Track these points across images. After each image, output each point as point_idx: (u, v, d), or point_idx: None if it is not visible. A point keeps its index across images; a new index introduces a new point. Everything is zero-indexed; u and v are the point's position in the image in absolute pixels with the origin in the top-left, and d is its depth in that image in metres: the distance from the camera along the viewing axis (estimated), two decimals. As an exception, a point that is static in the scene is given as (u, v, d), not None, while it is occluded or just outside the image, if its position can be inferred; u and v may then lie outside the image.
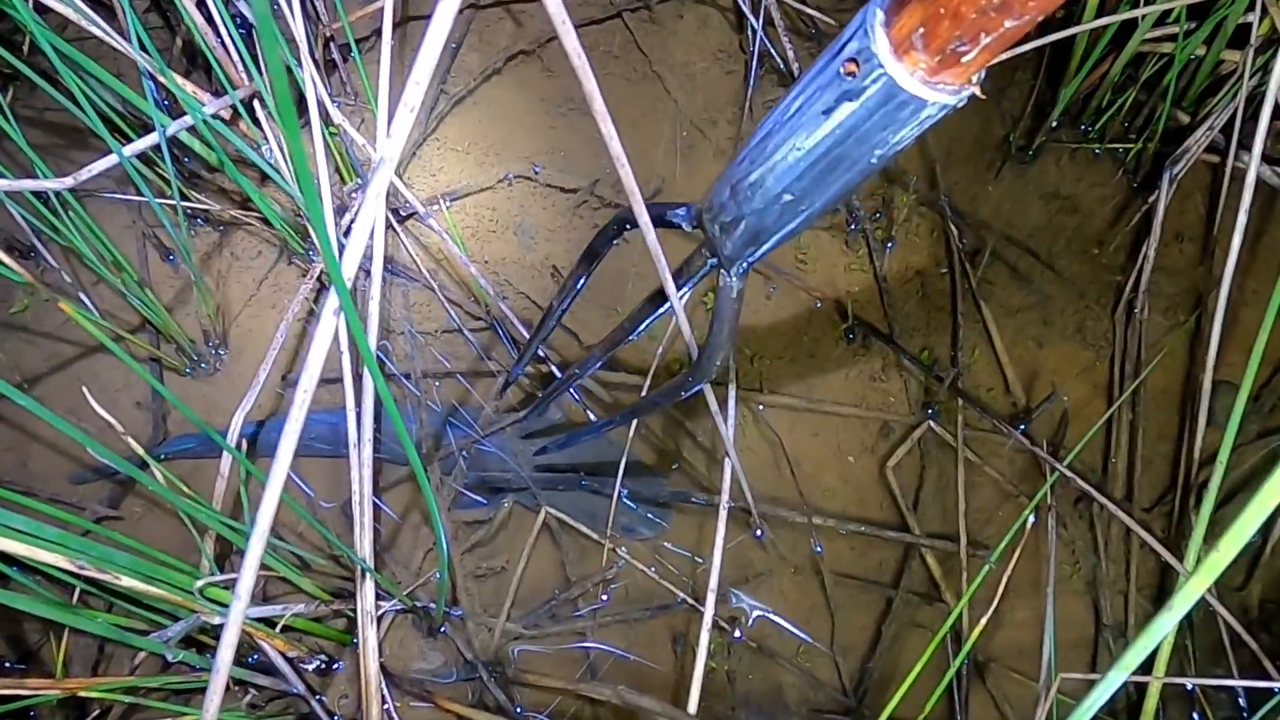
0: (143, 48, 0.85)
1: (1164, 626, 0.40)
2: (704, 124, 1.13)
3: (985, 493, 0.97)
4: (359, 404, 0.95)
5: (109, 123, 0.94)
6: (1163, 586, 0.93)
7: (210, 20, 1.03)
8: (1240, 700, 0.90)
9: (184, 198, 1.01)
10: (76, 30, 0.85)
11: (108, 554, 0.65)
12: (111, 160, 0.69)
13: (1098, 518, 0.96)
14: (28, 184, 0.65)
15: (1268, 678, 0.85)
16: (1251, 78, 0.92)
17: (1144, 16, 0.93)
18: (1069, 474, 0.93)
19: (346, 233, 1.04)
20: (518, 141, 1.11)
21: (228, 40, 1.02)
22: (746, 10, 1.17)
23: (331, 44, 1.14)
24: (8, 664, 0.88)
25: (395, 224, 1.05)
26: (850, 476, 0.97)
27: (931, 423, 0.98)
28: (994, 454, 0.98)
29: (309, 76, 0.96)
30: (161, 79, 0.83)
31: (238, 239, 1.06)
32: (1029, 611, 0.93)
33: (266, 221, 1.01)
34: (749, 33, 1.15)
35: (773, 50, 1.16)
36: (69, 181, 0.66)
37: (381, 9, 1.15)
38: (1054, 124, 1.10)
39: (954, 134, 1.12)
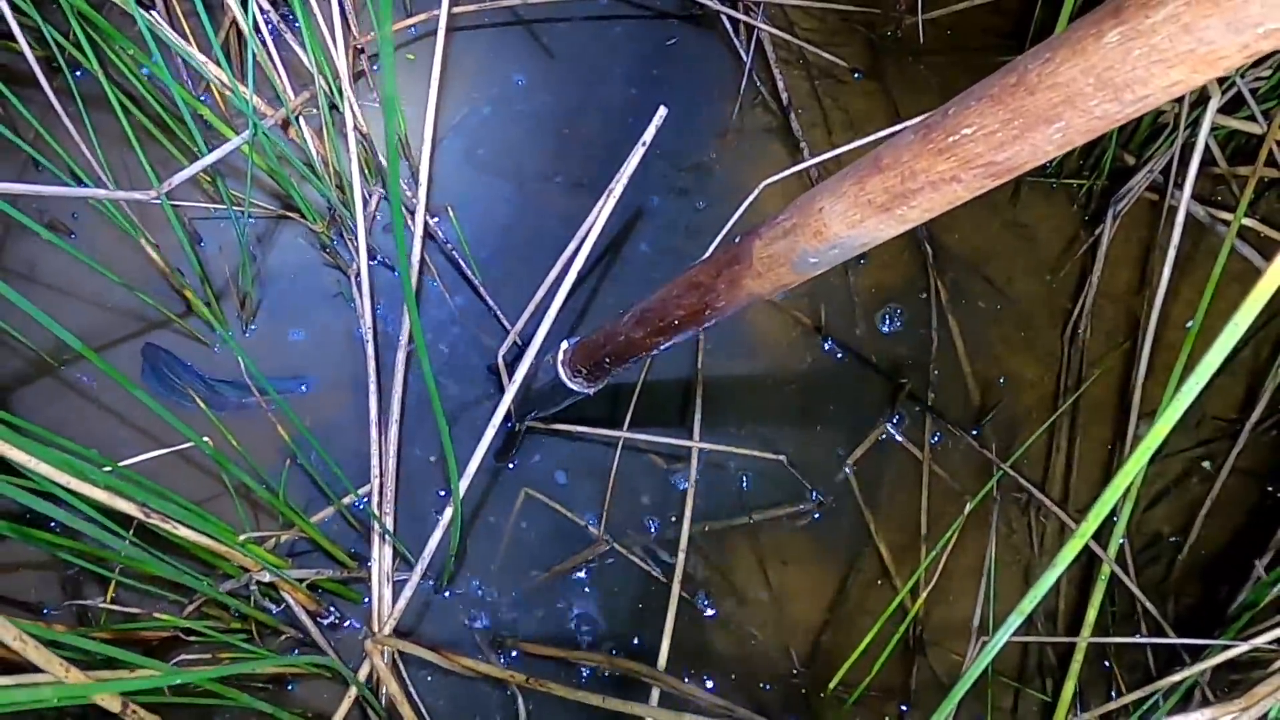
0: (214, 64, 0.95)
1: (1049, 579, 0.48)
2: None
3: (939, 490, 1.08)
4: (381, 387, 1.05)
5: (165, 129, 1.04)
6: (1088, 575, 1.04)
7: (258, 33, 1.13)
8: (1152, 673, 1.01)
9: (234, 202, 1.11)
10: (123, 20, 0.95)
11: (163, 505, 0.76)
12: (196, 169, 0.79)
13: (1035, 516, 1.07)
14: (121, 195, 0.75)
15: (1178, 656, 0.97)
16: (1185, 129, 1.03)
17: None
18: (1012, 472, 1.05)
19: (371, 226, 1.14)
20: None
21: (275, 55, 1.13)
22: (738, 44, 1.28)
23: (362, 55, 1.24)
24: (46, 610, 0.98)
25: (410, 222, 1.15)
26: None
27: (889, 426, 1.09)
28: (949, 455, 1.10)
29: (349, 105, 1.06)
30: (229, 92, 0.93)
31: (270, 230, 1.16)
32: (974, 600, 1.04)
33: (301, 215, 1.11)
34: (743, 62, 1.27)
35: (758, 78, 1.27)
36: (153, 193, 0.76)
37: (409, 24, 1.26)
38: (1015, 159, 1.22)
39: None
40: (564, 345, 0.88)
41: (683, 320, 0.69)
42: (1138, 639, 0.95)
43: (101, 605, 0.82)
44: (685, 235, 1.18)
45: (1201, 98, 1.00)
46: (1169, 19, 0.34)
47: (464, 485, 0.90)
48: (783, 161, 1.24)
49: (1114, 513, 1.05)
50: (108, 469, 0.71)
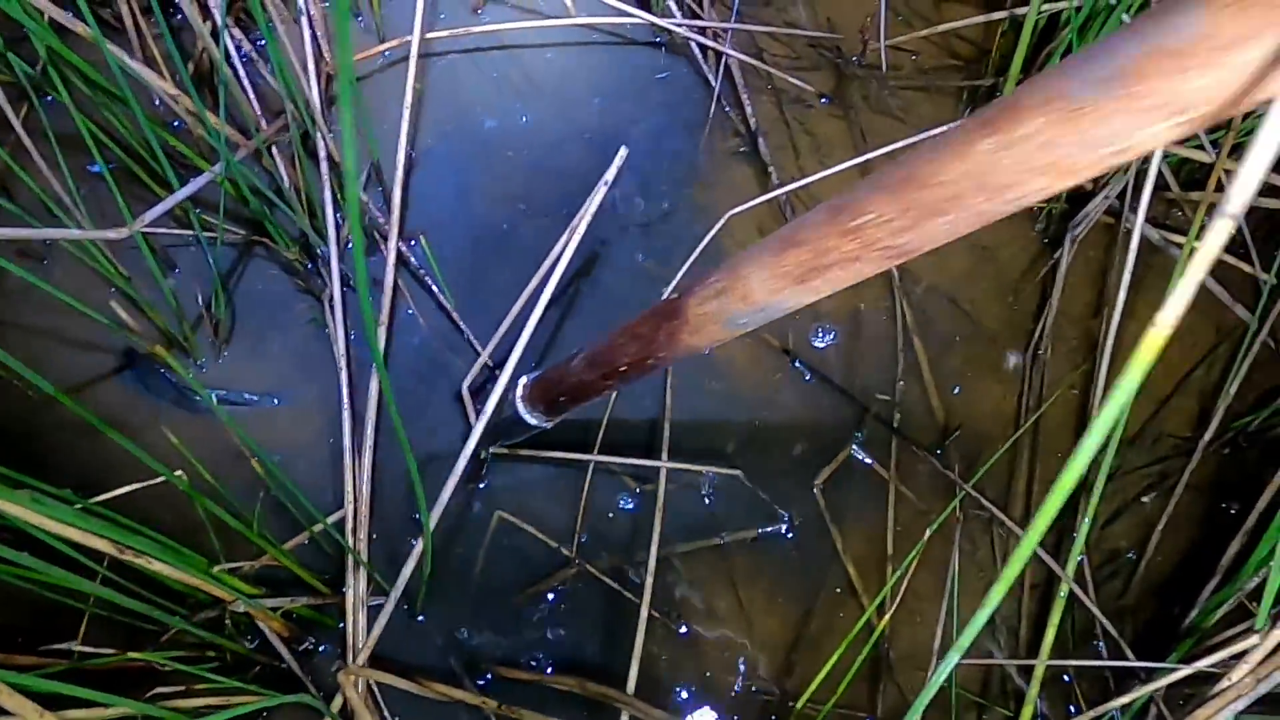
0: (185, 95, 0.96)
1: (997, 595, 0.50)
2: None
3: (906, 509, 1.11)
4: (357, 412, 1.06)
5: (141, 163, 1.05)
6: (1047, 591, 1.07)
7: (230, 62, 1.14)
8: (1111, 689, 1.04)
9: (205, 227, 1.12)
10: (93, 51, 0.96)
11: (137, 540, 0.76)
12: (168, 205, 0.79)
13: (998, 533, 1.10)
14: (93, 234, 0.76)
15: (1135, 673, 1.00)
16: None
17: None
18: (973, 493, 1.07)
19: (344, 252, 1.15)
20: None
21: (247, 85, 1.14)
22: (706, 69, 1.31)
23: (333, 80, 1.25)
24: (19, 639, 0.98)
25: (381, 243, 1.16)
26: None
27: (856, 447, 1.11)
28: (915, 475, 1.12)
29: (320, 128, 1.07)
30: (203, 127, 0.94)
31: (244, 256, 1.16)
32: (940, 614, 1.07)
33: (272, 241, 1.12)
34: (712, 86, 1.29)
35: (726, 104, 1.29)
36: (125, 231, 0.76)
37: (380, 50, 1.27)
38: (977, 183, 1.25)
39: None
40: (523, 380, 0.90)
41: (629, 366, 0.72)
42: (1091, 662, 0.98)
43: (74, 648, 0.82)
44: (656, 260, 1.20)
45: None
46: (1032, 136, 0.39)
47: (434, 519, 0.92)
48: (751, 185, 1.26)
49: (1072, 530, 1.08)
50: (79, 506, 0.72)
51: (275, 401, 1.10)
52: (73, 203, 1.02)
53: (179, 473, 0.80)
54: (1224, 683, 0.72)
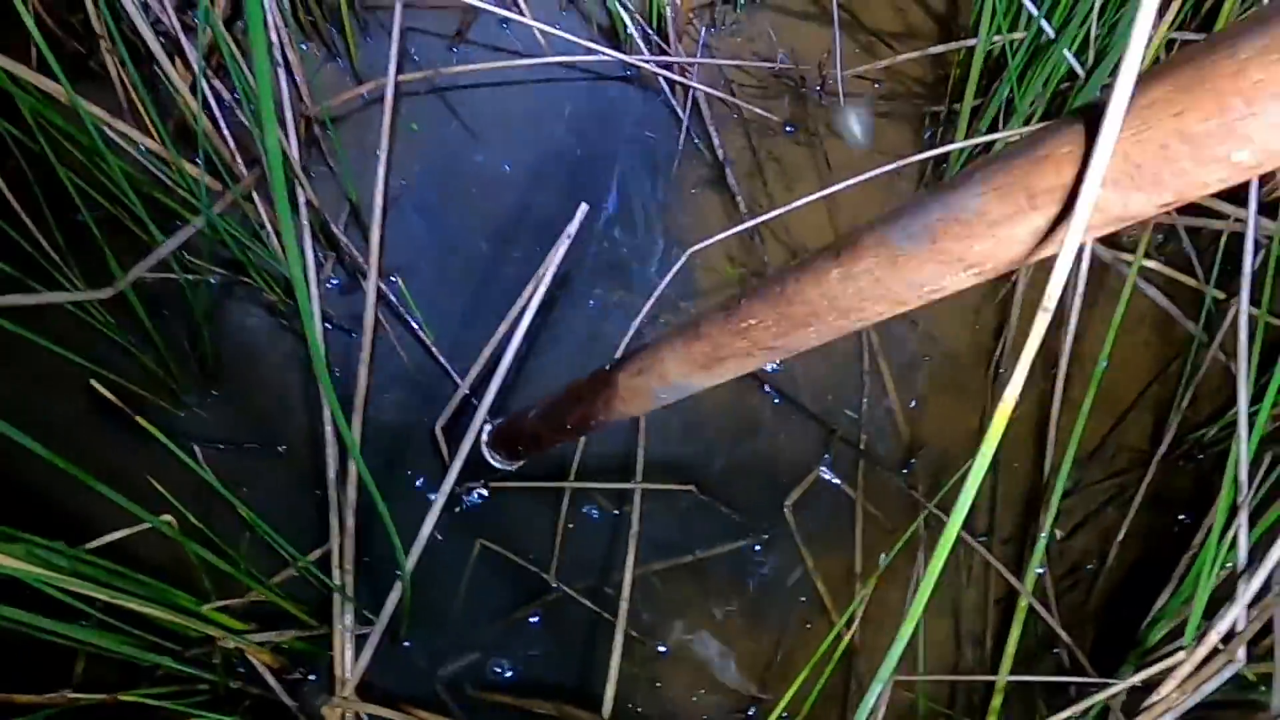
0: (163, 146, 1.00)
1: (927, 587, 0.53)
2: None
3: (873, 527, 1.15)
4: (343, 453, 1.10)
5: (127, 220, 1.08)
6: (1010, 603, 1.11)
7: (209, 112, 1.18)
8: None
9: (187, 269, 1.15)
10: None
11: (130, 585, 0.80)
12: (153, 260, 0.83)
13: (962, 549, 1.14)
14: (82, 296, 0.79)
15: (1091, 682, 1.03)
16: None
17: (1003, 128, 1.12)
18: (936, 511, 1.11)
19: (325, 291, 1.19)
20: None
21: (227, 133, 1.18)
22: (675, 102, 1.35)
23: (312, 123, 1.29)
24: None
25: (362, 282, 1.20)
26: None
27: (823, 468, 1.15)
28: (881, 494, 1.16)
29: (297, 174, 1.11)
30: (180, 177, 0.97)
31: (229, 296, 1.20)
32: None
33: (254, 282, 1.16)
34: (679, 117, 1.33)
35: (695, 134, 1.34)
36: (114, 290, 0.80)
37: (357, 93, 1.31)
38: (937, 208, 1.29)
39: (856, 213, 1.30)
40: (487, 426, 0.95)
41: (575, 425, 0.77)
42: (1042, 678, 1.02)
43: (69, 696, 0.86)
44: (626, 290, 1.24)
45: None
46: (867, 272, 0.47)
47: (413, 558, 0.95)
48: (720, 214, 1.30)
49: (1031, 543, 1.12)
50: (72, 555, 0.75)
51: (277, 464, 1.13)
52: (56, 251, 1.05)
53: (167, 517, 0.84)
54: (1154, 696, 0.76)
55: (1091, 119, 0.35)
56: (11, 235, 0.99)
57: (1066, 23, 0.97)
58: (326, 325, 1.16)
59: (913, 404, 1.21)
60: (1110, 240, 1.26)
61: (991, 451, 0.37)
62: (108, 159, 0.89)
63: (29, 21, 0.76)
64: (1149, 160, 0.34)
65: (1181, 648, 0.80)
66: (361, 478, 1.10)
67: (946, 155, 1.25)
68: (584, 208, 0.95)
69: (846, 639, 0.98)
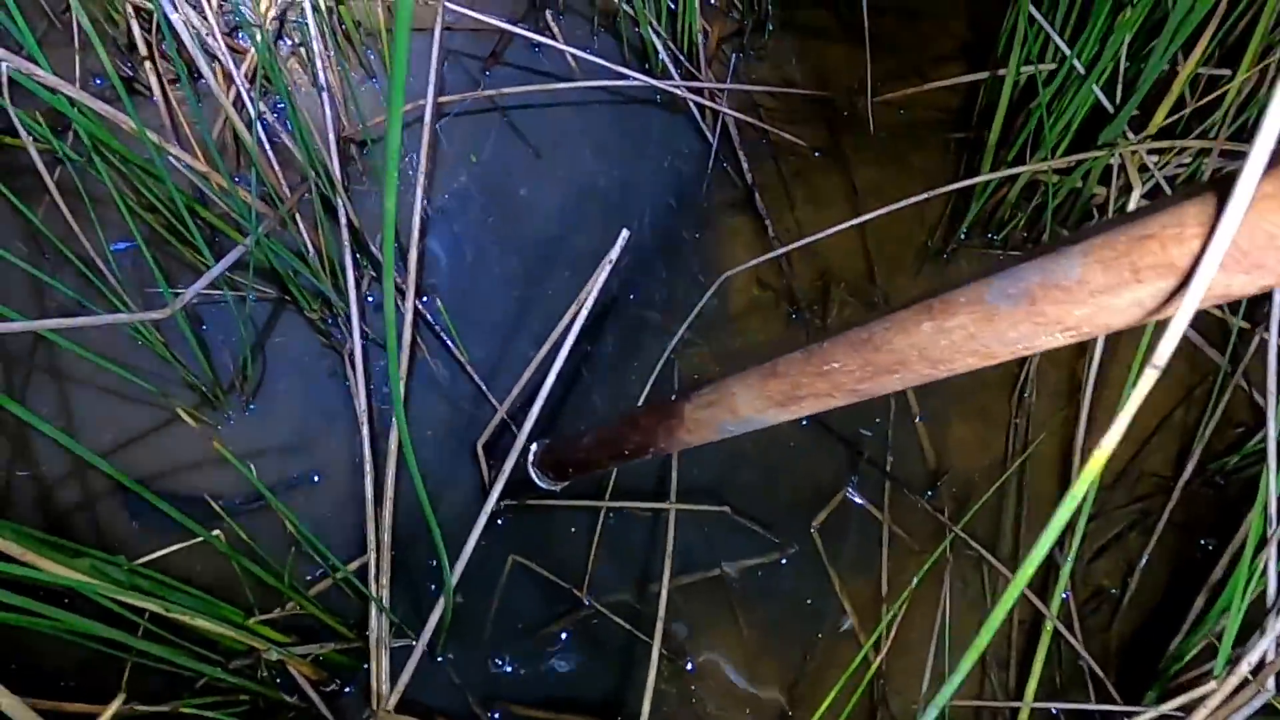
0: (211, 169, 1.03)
1: (987, 634, 0.55)
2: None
3: (899, 549, 1.16)
4: (379, 464, 1.12)
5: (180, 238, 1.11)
6: (1035, 626, 1.12)
7: (254, 134, 1.21)
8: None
9: (231, 286, 1.18)
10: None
11: (181, 598, 0.82)
12: (205, 282, 0.86)
13: (988, 571, 1.15)
14: (139, 317, 0.82)
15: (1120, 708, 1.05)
16: (1114, 211, 1.12)
17: (1030, 159, 1.14)
18: (962, 535, 1.13)
19: (364, 310, 1.21)
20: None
21: (269, 149, 1.21)
22: (704, 126, 1.37)
23: (351, 144, 1.32)
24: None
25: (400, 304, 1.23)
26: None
27: (850, 489, 1.17)
28: (907, 516, 1.18)
29: (340, 196, 1.14)
30: (232, 201, 1.00)
31: (269, 312, 1.23)
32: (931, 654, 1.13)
33: (296, 299, 1.19)
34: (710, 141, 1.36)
35: (724, 158, 1.36)
36: (167, 312, 0.83)
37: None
38: (964, 233, 1.31)
39: (883, 237, 1.32)
40: (534, 447, 0.97)
41: (632, 452, 0.79)
42: (1067, 705, 1.03)
43: (135, 707, 0.88)
44: (659, 311, 1.26)
45: (1126, 186, 1.10)
46: (961, 327, 0.49)
47: (455, 577, 0.97)
48: (748, 237, 1.33)
49: (1054, 568, 1.14)
50: (128, 568, 0.78)
51: (315, 479, 1.16)
52: (107, 267, 1.08)
53: (216, 532, 0.86)
54: (1186, 726, 0.78)
55: (1200, 208, 0.38)
56: (68, 254, 1.01)
57: (1097, 57, 1.00)
58: (364, 340, 1.18)
59: (938, 427, 1.22)
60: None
61: (1082, 494, 0.39)
62: (165, 182, 0.91)
63: (103, 56, 0.78)
64: (1258, 248, 0.37)
65: (1207, 675, 0.81)
66: (400, 496, 1.12)
67: (974, 185, 1.27)
68: (625, 233, 0.97)
69: (876, 663, 1.00)
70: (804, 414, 0.63)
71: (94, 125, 0.94)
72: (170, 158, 1.06)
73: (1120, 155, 1.07)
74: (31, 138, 0.96)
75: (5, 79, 0.77)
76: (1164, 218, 0.40)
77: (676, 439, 0.73)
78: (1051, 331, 0.46)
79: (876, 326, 0.54)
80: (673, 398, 0.75)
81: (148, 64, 1.29)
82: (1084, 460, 1.16)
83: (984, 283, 0.48)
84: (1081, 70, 1.02)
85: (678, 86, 1.35)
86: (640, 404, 1.19)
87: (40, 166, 1.05)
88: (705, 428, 0.70)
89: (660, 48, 1.35)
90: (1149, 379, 0.43)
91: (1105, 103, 1.04)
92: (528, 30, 1.34)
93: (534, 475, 1.00)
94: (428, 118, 1.29)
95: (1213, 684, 0.76)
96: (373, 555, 1.08)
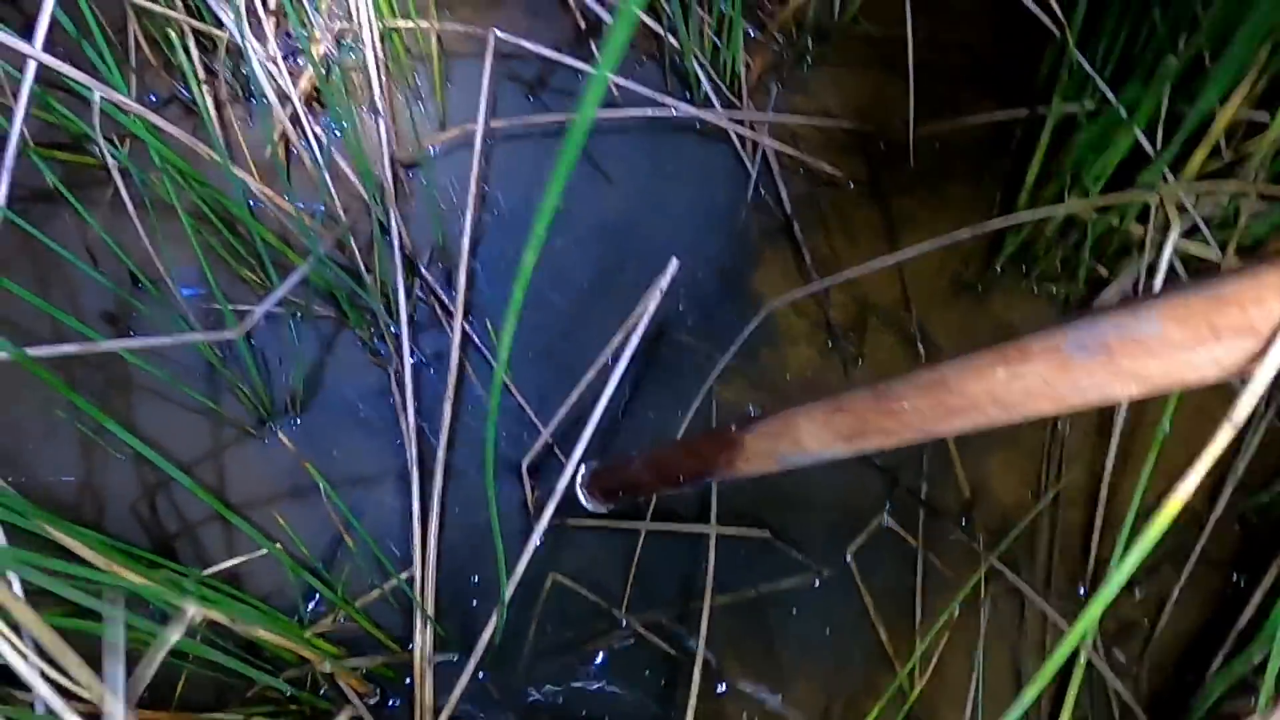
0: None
1: (1047, 673, 0.58)
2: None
3: (934, 577, 1.18)
4: (424, 482, 1.15)
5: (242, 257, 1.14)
6: (1070, 658, 1.13)
7: (306, 141, 1.24)
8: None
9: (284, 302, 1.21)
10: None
11: (244, 610, 0.85)
12: (269, 304, 0.89)
13: (1023, 599, 1.17)
14: (211, 336, 0.85)
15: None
16: (1151, 251, 1.15)
17: (1067, 198, 1.16)
18: (998, 564, 1.15)
19: (415, 333, 1.24)
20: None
21: (329, 179, 1.24)
22: (744, 156, 1.40)
23: (399, 166, 1.35)
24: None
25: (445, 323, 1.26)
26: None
27: (886, 516, 1.19)
28: (942, 544, 1.20)
29: (393, 217, 1.17)
30: (294, 225, 1.03)
31: (320, 327, 1.26)
32: (968, 680, 1.14)
33: (347, 317, 1.22)
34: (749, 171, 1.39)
35: (762, 188, 1.39)
36: (235, 333, 0.86)
37: (446, 137, 1.37)
38: (1000, 267, 1.33)
39: (917, 267, 1.34)
40: (582, 468, 0.99)
41: (686, 478, 0.81)
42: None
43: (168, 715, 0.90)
44: (699, 338, 1.29)
45: (1164, 224, 1.12)
46: (1036, 374, 0.51)
47: (507, 594, 0.99)
48: (786, 265, 1.35)
49: (1088, 604, 1.15)
50: (198, 579, 0.81)
51: (359, 495, 1.18)
52: (163, 275, 1.12)
53: (278, 544, 0.89)
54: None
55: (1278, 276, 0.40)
56: (136, 273, 1.05)
57: (1140, 99, 1.02)
58: (413, 359, 1.21)
59: (972, 457, 1.24)
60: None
61: (1158, 536, 0.42)
62: (239, 212, 0.95)
63: (198, 92, 0.81)
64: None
65: (1242, 711, 0.83)
66: (444, 507, 1.15)
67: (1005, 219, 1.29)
68: (674, 262, 1.00)
69: (913, 695, 1.01)
70: (869, 449, 0.65)
71: (166, 149, 0.98)
72: (235, 178, 1.10)
73: (1159, 195, 1.09)
74: (115, 161, 1.00)
75: (97, 108, 0.80)
76: (1244, 282, 0.42)
77: (735, 468, 0.75)
78: (1128, 384, 0.48)
79: (948, 369, 0.56)
80: (732, 427, 0.77)
81: (205, 87, 1.33)
82: (1111, 493, 1.18)
83: (1059, 332, 0.51)
84: (1124, 114, 1.04)
85: (719, 116, 1.38)
86: (682, 430, 1.21)
87: (120, 184, 1.08)
88: (766, 459, 0.73)
89: (704, 78, 1.38)
90: (1225, 435, 0.45)
91: (1148, 147, 1.07)
92: (574, 59, 1.37)
93: (582, 497, 1.02)
94: (478, 141, 1.32)
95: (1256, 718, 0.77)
96: (418, 570, 1.11)
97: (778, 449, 0.71)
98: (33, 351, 0.65)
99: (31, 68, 0.80)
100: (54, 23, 0.87)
